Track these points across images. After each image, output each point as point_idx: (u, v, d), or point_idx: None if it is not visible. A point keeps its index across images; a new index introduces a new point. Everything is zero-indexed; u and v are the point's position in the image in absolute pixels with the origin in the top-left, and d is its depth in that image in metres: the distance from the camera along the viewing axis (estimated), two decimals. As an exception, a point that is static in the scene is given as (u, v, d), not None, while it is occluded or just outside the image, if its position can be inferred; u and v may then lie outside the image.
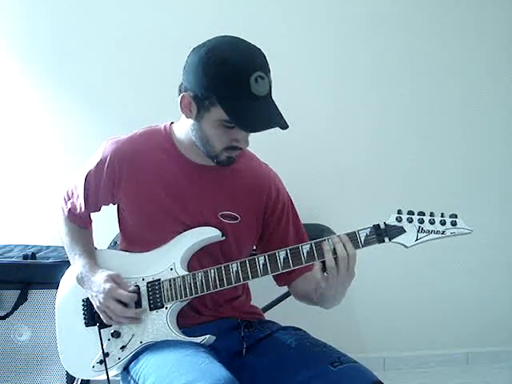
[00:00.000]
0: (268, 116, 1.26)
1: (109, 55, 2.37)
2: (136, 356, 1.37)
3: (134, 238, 1.49)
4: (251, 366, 1.36)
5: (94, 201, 1.49)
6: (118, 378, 1.45)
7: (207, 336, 1.35)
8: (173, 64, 2.32)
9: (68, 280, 1.55)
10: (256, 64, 1.24)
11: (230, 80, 1.22)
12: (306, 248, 1.30)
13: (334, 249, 1.26)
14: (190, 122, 1.35)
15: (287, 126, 1.26)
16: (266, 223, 1.51)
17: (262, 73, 1.23)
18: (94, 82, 2.38)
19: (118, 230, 1.56)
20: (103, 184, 1.44)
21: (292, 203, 1.56)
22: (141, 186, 1.42)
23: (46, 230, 2.34)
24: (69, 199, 1.55)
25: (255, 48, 1.29)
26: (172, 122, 1.48)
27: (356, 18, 2.48)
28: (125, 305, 1.37)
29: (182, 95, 1.32)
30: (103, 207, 1.55)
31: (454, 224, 1.24)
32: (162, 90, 2.33)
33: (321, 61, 2.48)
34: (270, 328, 1.47)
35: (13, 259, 2.05)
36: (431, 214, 1.27)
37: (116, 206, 1.52)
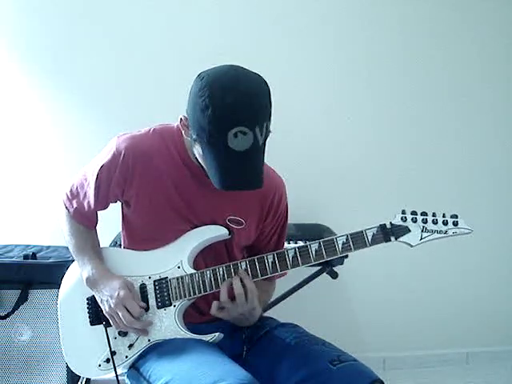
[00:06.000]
0: (240, 175, 1.22)
1: (109, 55, 2.37)
2: (144, 354, 1.37)
3: (139, 237, 1.48)
4: (251, 366, 1.35)
5: (104, 196, 1.45)
6: (122, 378, 1.44)
7: (216, 334, 1.35)
8: (174, 64, 2.35)
9: (71, 278, 1.54)
10: (239, 117, 1.16)
11: (208, 129, 1.18)
12: (314, 246, 1.33)
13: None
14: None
15: (260, 187, 1.24)
16: (262, 228, 1.52)
17: (244, 128, 1.15)
18: (95, 81, 2.37)
19: (120, 230, 1.55)
20: (115, 179, 1.41)
21: (287, 214, 1.57)
22: (153, 183, 1.40)
23: (46, 230, 2.34)
24: (74, 198, 1.50)
25: (251, 93, 1.19)
26: None
27: (354, 19, 2.49)
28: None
29: (180, 117, 1.31)
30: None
31: (455, 224, 1.29)
32: (163, 90, 2.35)
33: (320, 61, 2.48)
34: (268, 325, 1.48)
35: (13, 259, 2.04)
36: (433, 215, 1.31)
37: (120, 204, 1.50)
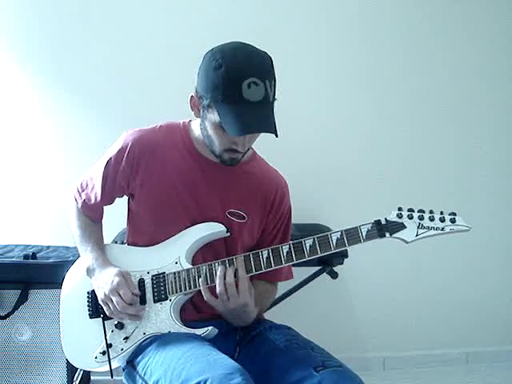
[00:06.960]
0: (256, 121, 1.27)
1: (109, 55, 2.37)
2: (141, 351, 1.38)
3: (143, 231, 1.51)
4: (243, 367, 1.36)
5: (110, 188, 1.50)
6: (120, 378, 1.45)
7: (209, 328, 1.37)
8: (173, 64, 2.35)
9: (74, 272, 1.57)
10: (251, 70, 1.26)
11: (223, 84, 1.26)
12: (308, 242, 1.34)
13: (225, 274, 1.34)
14: (199, 120, 1.40)
15: (275, 133, 1.28)
16: (264, 226, 1.54)
17: (256, 79, 1.25)
18: (95, 81, 2.38)
19: (125, 226, 1.58)
20: (121, 170, 1.46)
21: (290, 215, 1.59)
22: (159, 176, 1.45)
23: (46, 230, 2.35)
24: (83, 190, 1.56)
25: (259, 54, 1.31)
26: (190, 120, 1.52)
27: (354, 19, 2.49)
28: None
29: (190, 95, 1.37)
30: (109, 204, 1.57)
31: (453, 221, 1.28)
32: (163, 90, 2.35)
33: (321, 61, 2.48)
34: (262, 325, 1.48)
35: (13, 259, 2.05)
36: (431, 212, 1.31)
37: (126, 199, 1.54)
